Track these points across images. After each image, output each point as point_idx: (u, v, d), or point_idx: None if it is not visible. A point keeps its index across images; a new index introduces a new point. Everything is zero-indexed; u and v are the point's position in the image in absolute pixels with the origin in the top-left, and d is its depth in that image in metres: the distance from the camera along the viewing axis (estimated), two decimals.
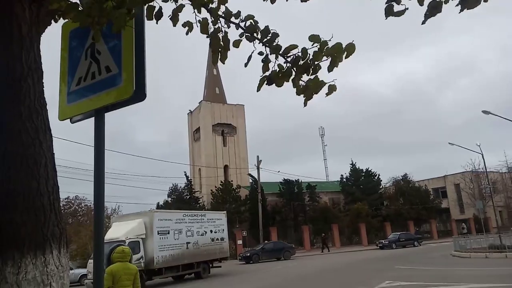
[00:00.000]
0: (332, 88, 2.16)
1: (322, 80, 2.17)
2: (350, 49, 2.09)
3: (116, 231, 18.90)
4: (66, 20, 2.47)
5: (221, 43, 2.11)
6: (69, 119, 2.57)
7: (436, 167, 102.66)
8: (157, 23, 2.11)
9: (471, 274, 14.14)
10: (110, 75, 2.35)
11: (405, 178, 56.17)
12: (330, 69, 2.06)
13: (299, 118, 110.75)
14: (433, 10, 1.97)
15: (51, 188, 1.93)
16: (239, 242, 38.56)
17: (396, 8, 1.98)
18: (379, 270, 17.66)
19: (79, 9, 1.98)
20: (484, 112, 25.05)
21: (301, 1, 1.92)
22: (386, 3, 1.96)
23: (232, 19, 2.12)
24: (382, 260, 23.90)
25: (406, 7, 1.95)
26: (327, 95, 2.16)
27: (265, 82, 2.22)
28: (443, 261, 20.71)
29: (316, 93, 2.21)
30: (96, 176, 2.27)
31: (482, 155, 32.83)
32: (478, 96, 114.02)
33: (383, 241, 39.28)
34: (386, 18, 1.99)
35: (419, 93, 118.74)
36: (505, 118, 25.12)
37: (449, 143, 32.44)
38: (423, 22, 2.05)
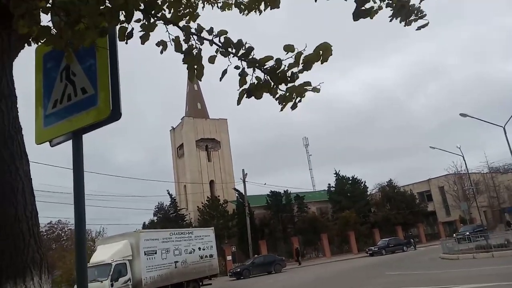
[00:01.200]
0: (315, 90, 2.20)
1: (309, 81, 2.20)
2: (326, 52, 2.13)
3: (102, 254, 18.51)
4: (40, 43, 2.46)
5: (195, 59, 2.13)
6: (48, 143, 2.54)
7: (418, 171, 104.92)
8: (126, 43, 2.12)
9: (460, 276, 14.28)
10: (86, 96, 2.34)
11: (390, 184, 56.74)
12: (306, 69, 2.10)
13: (279, 129, 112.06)
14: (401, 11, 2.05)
15: (30, 213, 1.90)
16: (229, 258, 38.14)
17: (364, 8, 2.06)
18: (370, 277, 17.69)
19: (52, 32, 1.98)
20: (462, 114, 25.67)
21: (271, 9, 1.97)
22: (355, 8, 2.04)
23: (206, 35, 2.15)
24: (373, 267, 23.95)
25: (377, 6, 2.03)
26: (312, 91, 2.20)
27: (245, 95, 2.25)
28: (433, 264, 20.87)
29: (302, 97, 2.24)
30: (76, 199, 2.24)
31: (463, 157, 33.64)
32: (448, 100, 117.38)
33: (372, 248, 39.44)
34: (355, 20, 2.06)
35: (391, 99, 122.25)
36: (483, 120, 25.81)
37: (430, 146, 33.21)
38: (390, 20, 2.15)
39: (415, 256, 29.72)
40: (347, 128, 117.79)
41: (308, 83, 2.17)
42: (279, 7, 2.60)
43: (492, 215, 58.64)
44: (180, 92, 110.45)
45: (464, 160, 42.78)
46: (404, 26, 2.20)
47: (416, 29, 2.25)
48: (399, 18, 2.18)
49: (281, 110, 2.29)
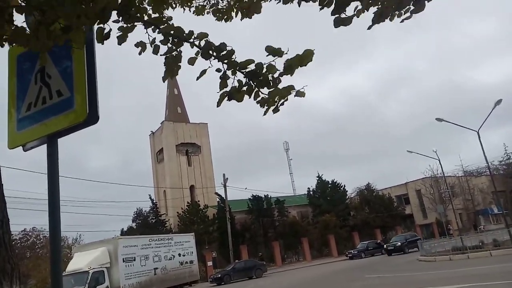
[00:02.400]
0: (300, 94, 2.20)
1: (292, 85, 2.19)
2: (307, 56, 2.13)
3: (79, 262, 18.09)
4: (12, 44, 2.38)
5: (173, 61, 2.10)
6: (21, 147, 2.46)
7: (396, 175, 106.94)
8: (102, 43, 2.07)
9: (437, 277, 14.56)
10: (62, 99, 2.28)
11: (368, 188, 57.54)
12: (287, 73, 2.11)
13: (256, 134, 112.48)
14: (380, 17, 2.07)
15: (0, 221, 1.81)
16: (209, 263, 37.82)
17: (343, 16, 2.08)
18: (350, 281, 17.83)
19: (27, 33, 1.91)
20: (438, 119, 26.25)
21: (248, 18, 1.97)
22: (333, 15, 2.05)
23: (186, 38, 2.12)
24: (352, 271, 24.16)
25: (353, 14, 2.05)
26: (295, 96, 2.20)
27: (226, 98, 2.23)
28: (411, 267, 21.20)
29: (286, 99, 2.23)
30: (50, 205, 2.16)
31: (439, 160, 34.33)
32: (419, 106, 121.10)
33: (352, 251, 39.83)
34: (336, 27, 2.08)
35: (363, 106, 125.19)
36: (458, 125, 26.44)
37: (407, 150, 33.74)
38: (369, 27, 2.18)
39: (393, 259, 30.15)
40: (321, 133, 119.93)
41: (291, 87, 2.17)
42: (260, 12, 2.60)
43: (467, 217, 60.16)
44: (154, 96, 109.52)
45: (440, 164, 43.93)
46: (390, 21, 2.22)
47: (401, 21, 2.27)
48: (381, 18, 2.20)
49: (264, 114, 2.28)
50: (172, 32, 2.03)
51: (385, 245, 36.17)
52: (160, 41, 2.09)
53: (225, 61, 2.09)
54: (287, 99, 2.25)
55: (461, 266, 17.12)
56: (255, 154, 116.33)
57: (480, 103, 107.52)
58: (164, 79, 2.27)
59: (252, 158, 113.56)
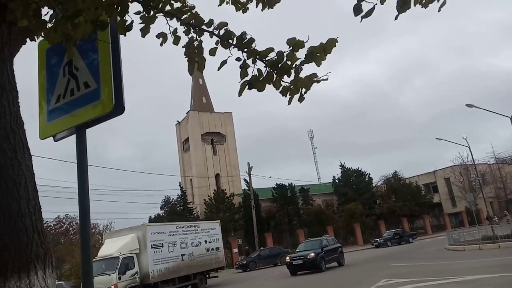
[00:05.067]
0: (322, 80, 2.19)
1: (315, 73, 2.18)
2: (330, 44, 2.11)
3: (110, 248, 18.66)
4: (42, 38, 2.46)
5: (196, 52, 2.11)
6: (52, 137, 2.55)
7: (419, 164, 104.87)
8: (125, 35, 2.11)
9: (466, 267, 14.25)
10: (89, 91, 2.33)
11: (395, 176, 56.57)
12: (309, 61, 2.09)
13: (277, 123, 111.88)
14: (404, 5, 2.02)
15: (33, 208, 1.90)
16: (235, 250, 38.33)
17: (365, 7, 2.04)
18: (376, 269, 17.71)
19: (48, 26, 1.96)
20: (468, 105, 25.42)
21: (270, 8, 1.96)
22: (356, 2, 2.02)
23: (206, 27, 2.13)
24: (378, 259, 23.97)
25: (375, 4, 2.01)
26: (318, 82, 2.19)
27: (246, 87, 2.23)
28: (438, 256, 20.85)
29: (309, 89, 2.22)
30: (80, 193, 2.24)
31: (469, 148, 33.33)
32: (435, 93, 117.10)
33: (378, 239, 39.45)
34: (356, 16, 2.05)
35: (378, 94, 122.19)
36: (490, 111, 25.56)
37: (436, 138, 32.90)
38: (396, 18, 2.13)
39: (420, 247, 29.69)
40: (338, 122, 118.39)
41: (314, 75, 2.15)
42: (280, 1, 2.56)
43: (498, 205, 58.35)
44: (169, 87, 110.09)
45: (470, 151, 42.51)
46: (422, 7, 2.16)
47: (438, 11, 2.21)
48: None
49: (289, 103, 2.27)
50: (192, 22, 2.04)
51: (288, 258, 21.92)
52: (183, 32, 2.10)
53: (245, 50, 2.09)
54: (310, 88, 2.24)
55: (491, 256, 16.69)
56: (278, 143, 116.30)
57: (499, 90, 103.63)
58: (190, 72, 2.29)
59: (275, 147, 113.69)
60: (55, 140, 2.57)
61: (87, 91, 2.34)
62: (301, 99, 2.27)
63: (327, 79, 2.15)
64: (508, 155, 60.59)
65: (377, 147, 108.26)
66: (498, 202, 58.46)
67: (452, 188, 57.45)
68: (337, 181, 53.96)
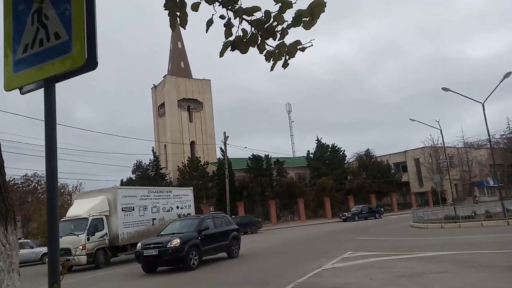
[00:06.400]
0: (305, 48, 2.13)
1: (299, 40, 2.11)
2: (318, 7, 2.02)
3: (79, 208, 18.47)
4: None
5: (177, 6, 1.99)
6: (19, 90, 2.41)
7: (390, 145, 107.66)
8: None
9: (428, 244, 14.92)
10: (60, 42, 2.19)
11: (367, 153, 57.84)
12: (296, 25, 2.03)
13: (252, 95, 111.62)
14: None
15: None
16: None
17: None
18: (342, 242, 18.30)
19: None
20: (444, 89, 25.85)
21: None
22: None
23: None
24: (345, 232, 24.76)
25: None
26: (302, 51, 2.13)
27: (229, 48, 2.14)
28: (402, 232, 21.71)
29: (293, 56, 2.16)
30: (47, 150, 2.14)
31: (441, 130, 34.13)
32: (405, 77, 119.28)
33: (346, 213, 40.66)
34: None
35: (350, 74, 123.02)
36: (464, 95, 26.09)
37: (410, 119, 33.43)
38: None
39: (386, 223, 30.83)
40: (311, 99, 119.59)
41: (298, 42, 2.09)
42: None
43: (462, 188, 60.89)
44: (144, 49, 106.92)
45: (442, 134, 43.72)
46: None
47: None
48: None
49: (271, 69, 2.21)
50: None
51: (139, 245, 14.33)
52: None
53: (230, 7, 1.99)
54: (294, 55, 2.17)
55: (452, 234, 17.51)
56: (253, 115, 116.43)
57: (467, 77, 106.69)
58: (172, 28, 2.15)
59: (251, 119, 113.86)
60: (22, 93, 2.43)
61: (58, 43, 2.20)
62: (285, 65, 2.21)
63: (311, 46, 2.09)
64: (476, 140, 62.80)
65: (349, 126, 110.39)
66: (463, 184, 60.96)
67: (421, 168, 59.37)
68: (311, 155, 54.71)
